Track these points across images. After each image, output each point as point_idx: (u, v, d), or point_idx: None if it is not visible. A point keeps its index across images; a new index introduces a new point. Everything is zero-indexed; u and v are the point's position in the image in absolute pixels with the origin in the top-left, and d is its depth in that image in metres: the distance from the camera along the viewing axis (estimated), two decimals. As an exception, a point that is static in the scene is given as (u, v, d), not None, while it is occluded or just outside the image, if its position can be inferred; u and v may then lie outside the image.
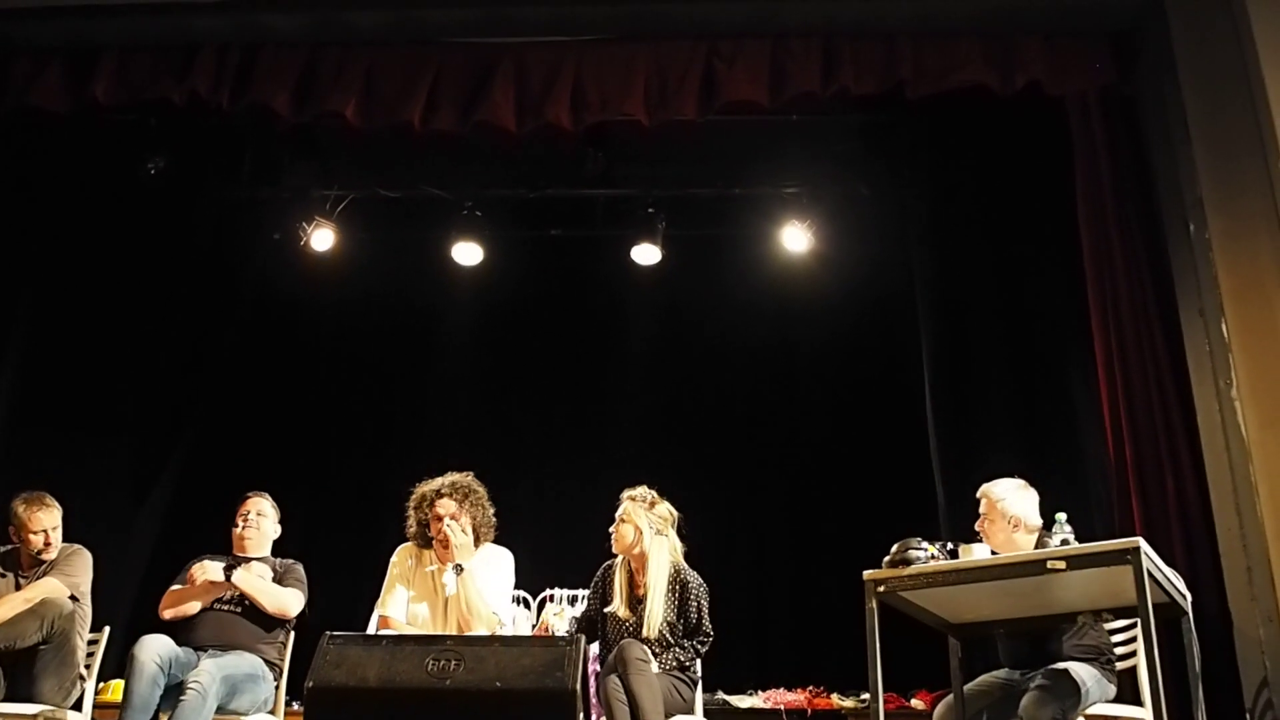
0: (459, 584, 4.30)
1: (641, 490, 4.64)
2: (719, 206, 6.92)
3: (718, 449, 7.03)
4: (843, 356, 7.01)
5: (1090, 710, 3.68)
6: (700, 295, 7.14)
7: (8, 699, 4.11)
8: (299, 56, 5.29)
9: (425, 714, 3.25)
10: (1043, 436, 5.41)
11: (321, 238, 6.75)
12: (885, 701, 3.62)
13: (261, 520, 4.69)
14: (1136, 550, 3.18)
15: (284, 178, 6.87)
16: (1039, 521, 3.93)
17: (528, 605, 5.90)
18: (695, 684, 4.47)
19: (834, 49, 5.12)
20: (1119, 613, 3.73)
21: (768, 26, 5.16)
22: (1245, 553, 4.16)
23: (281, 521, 4.78)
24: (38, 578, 4.41)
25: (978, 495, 4.05)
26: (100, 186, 6.09)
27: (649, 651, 4.25)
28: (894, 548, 3.58)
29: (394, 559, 4.53)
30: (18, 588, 4.39)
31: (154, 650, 4.04)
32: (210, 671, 3.99)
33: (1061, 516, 3.64)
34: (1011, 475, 4.08)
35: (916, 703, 5.78)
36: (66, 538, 4.57)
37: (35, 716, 4.10)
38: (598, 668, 4.67)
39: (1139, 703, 3.82)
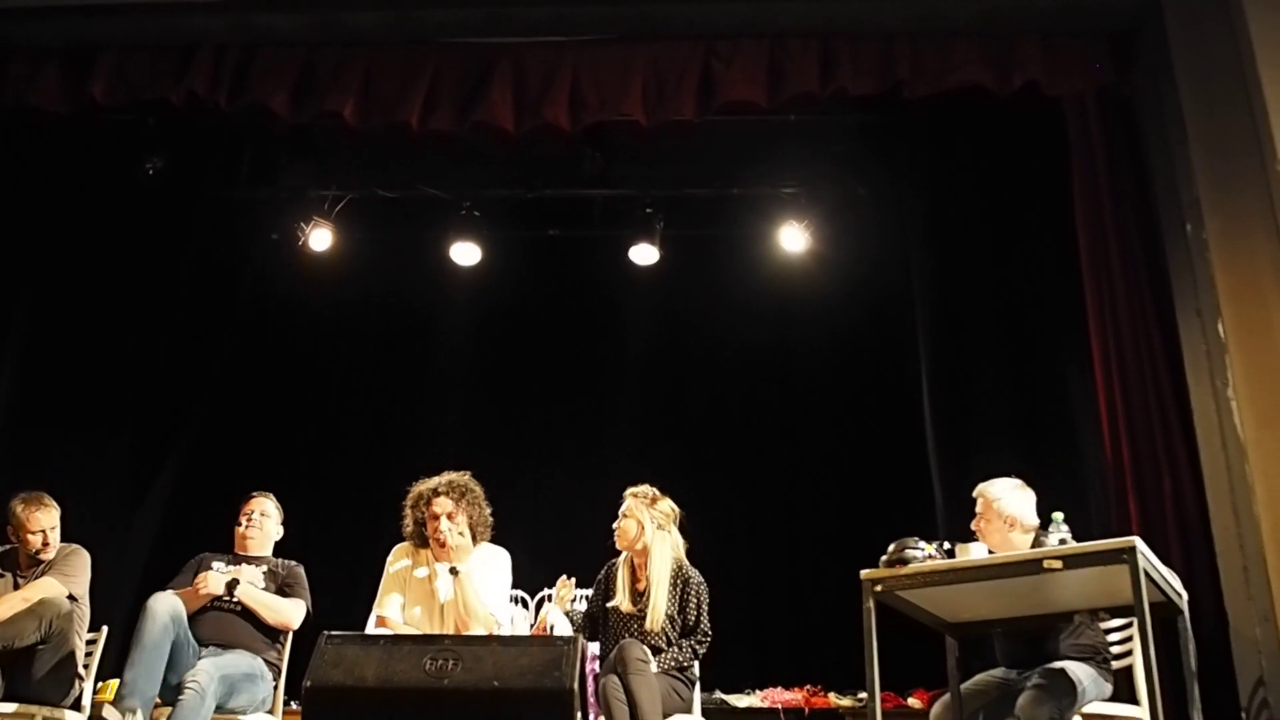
0: (456, 586, 4.30)
1: (643, 488, 4.67)
2: (717, 207, 6.93)
3: (715, 449, 7.04)
4: (840, 356, 7.01)
5: (1087, 709, 3.69)
6: (698, 296, 7.15)
7: (6, 699, 4.10)
8: (297, 56, 5.29)
9: (423, 713, 3.25)
10: (1040, 436, 5.41)
11: (319, 238, 6.75)
12: (882, 701, 3.61)
13: (265, 521, 4.69)
14: (1133, 549, 3.19)
15: (282, 178, 6.87)
16: (1035, 521, 3.94)
17: (526, 605, 5.91)
18: (693, 684, 4.49)
19: (832, 49, 5.12)
20: (1115, 612, 3.75)
21: (766, 27, 5.16)
22: (1241, 552, 4.17)
23: (282, 522, 4.79)
24: (36, 577, 4.41)
25: (974, 495, 4.06)
26: (98, 186, 6.08)
27: (648, 652, 4.27)
28: (891, 547, 3.59)
29: (390, 559, 4.53)
30: (16, 587, 4.39)
31: (167, 604, 4.10)
32: (208, 671, 3.99)
33: (1058, 516, 3.65)
34: (1008, 475, 4.09)
35: (914, 702, 5.78)
36: (65, 537, 4.56)
37: (33, 716, 4.10)
38: (595, 667, 4.68)
39: (1135, 701, 3.82)
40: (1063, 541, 3.54)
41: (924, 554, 3.55)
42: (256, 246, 6.97)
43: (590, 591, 4.79)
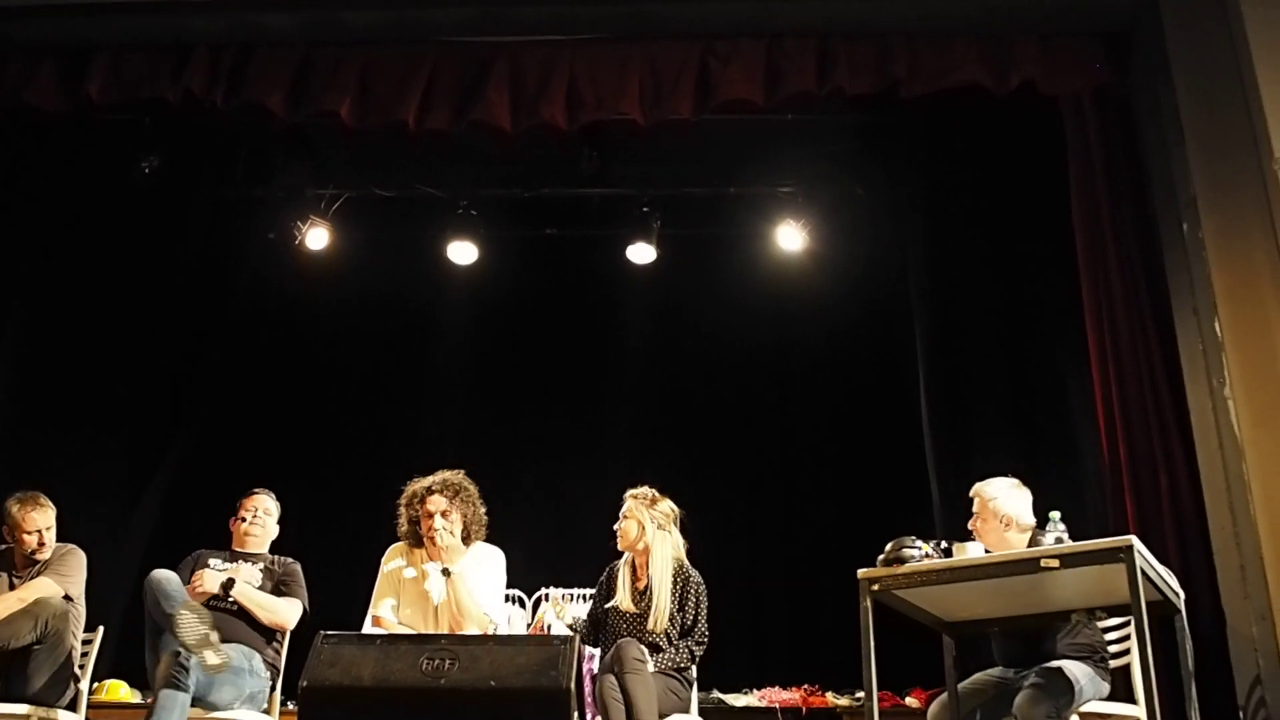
0: (448, 586, 4.30)
1: (643, 489, 4.69)
2: (714, 206, 6.93)
3: (713, 448, 7.04)
4: (838, 355, 7.02)
5: (1084, 708, 3.69)
6: (695, 295, 7.14)
7: (2, 699, 4.09)
8: (293, 56, 5.28)
9: (420, 713, 3.25)
10: (1036, 435, 5.42)
11: (316, 237, 6.75)
12: (880, 700, 3.61)
13: (267, 519, 4.69)
14: (1130, 548, 3.18)
15: (279, 177, 6.87)
16: (1032, 520, 3.93)
17: (523, 604, 5.91)
18: (691, 685, 4.49)
19: (829, 48, 5.12)
20: (1113, 611, 3.74)
21: (763, 26, 5.16)
22: (1238, 550, 4.17)
23: (279, 520, 4.78)
24: (32, 578, 4.40)
25: (970, 494, 4.06)
26: (95, 186, 6.08)
27: (646, 651, 4.27)
28: (888, 546, 3.59)
29: (385, 559, 4.53)
30: (12, 588, 4.38)
31: (164, 572, 4.14)
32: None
33: (1055, 515, 3.66)
34: (1005, 474, 4.09)
35: (911, 701, 5.78)
36: (60, 538, 4.55)
37: (29, 717, 4.10)
38: (593, 667, 4.68)
39: (1133, 700, 3.82)
40: (1059, 540, 3.54)
41: (921, 553, 3.54)
42: (253, 246, 6.96)
43: (590, 591, 4.79)
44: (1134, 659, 3.85)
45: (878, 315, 6.72)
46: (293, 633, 4.54)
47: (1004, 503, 3.95)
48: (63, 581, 4.40)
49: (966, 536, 3.89)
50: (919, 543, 3.57)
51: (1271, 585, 4.01)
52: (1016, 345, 5.63)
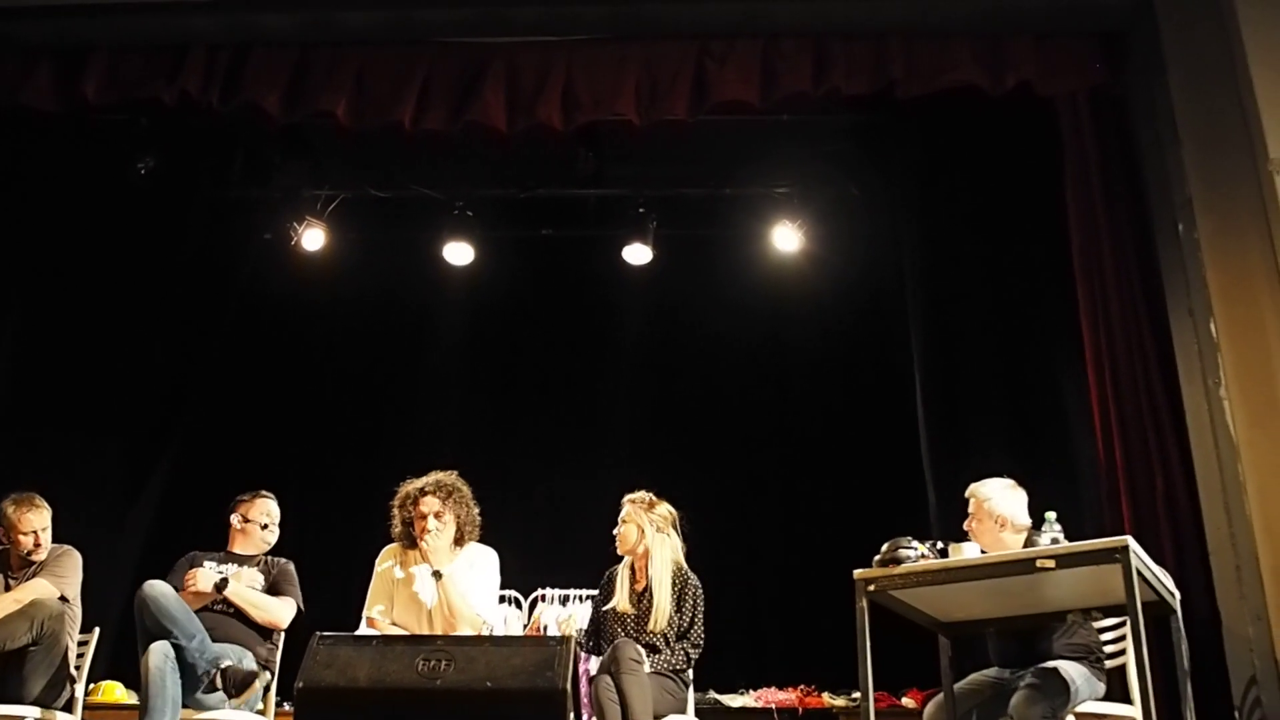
0: (440, 589, 4.30)
1: (641, 493, 4.71)
2: (710, 206, 6.93)
3: (709, 448, 7.04)
4: (834, 356, 7.02)
5: (1080, 708, 3.70)
6: (692, 295, 7.15)
7: (-2, 700, 4.10)
8: (290, 56, 5.27)
9: (415, 714, 3.25)
10: (1032, 436, 5.42)
11: (312, 238, 6.74)
12: (876, 700, 3.62)
13: (274, 526, 4.69)
14: (1125, 549, 3.19)
15: (275, 178, 6.85)
16: (1027, 521, 3.94)
17: (519, 605, 5.90)
18: (687, 686, 4.49)
19: (825, 49, 5.12)
20: (1108, 611, 3.75)
21: (759, 26, 5.16)
22: (1234, 551, 4.18)
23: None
24: (27, 579, 4.40)
25: (966, 495, 4.06)
26: (91, 186, 6.06)
27: (643, 652, 4.27)
28: (884, 547, 3.59)
29: (379, 560, 4.53)
30: (7, 589, 4.38)
31: (160, 585, 4.15)
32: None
33: (1051, 515, 3.66)
34: (1001, 475, 4.09)
35: (907, 701, 5.79)
36: (56, 539, 4.55)
37: (25, 718, 4.09)
38: (589, 668, 4.68)
39: (1128, 701, 3.83)
40: (1055, 541, 3.55)
41: (917, 553, 3.55)
42: (249, 246, 6.95)
43: (585, 592, 4.79)
44: (1129, 659, 3.85)
45: (874, 316, 6.72)
46: (288, 633, 4.54)
47: (999, 503, 3.96)
48: (58, 583, 4.40)
49: (962, 537, 3.90)
50: (915, 543, 3.57)
51: (1267, 585, 4.01)
52: (1012, 345, 5.63)
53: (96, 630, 4.61)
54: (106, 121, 5.77)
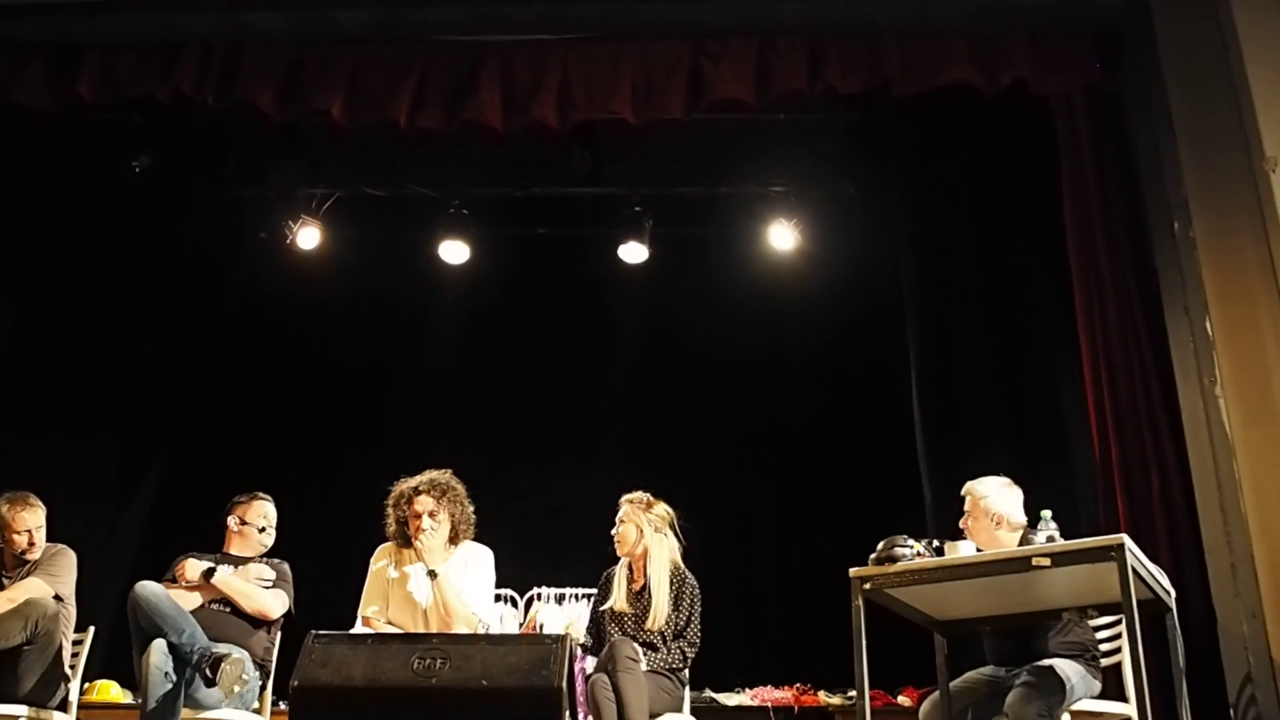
0: (435, 588, 4.29)
1: (638, 494, 4.72)
2: (706, 205, 6.92)
3: (705, 447, 7.04)
4: (830, 354, 7.02)
5: (1075, 706, 3.70)
6: (687, 294, 7.14)
7: (-7, 700, 4.09)
8: (284, 55, 5.27)
9: (411, 712, 3.25)
10: (1029, 434, 5.42)
11: (307, 236, 6.73)
12: (872, 699, 3.63)
13: (271, 529, 4.68)
14: (1121, 547, 3.19)
15: (270, 176, 6.84)
16: (1023, 519, 3.94)
17: (515, 604, 5.89)
18: (684, 684, 4.50)
19: (820, 48, 5.12)
20: (1104, 609, 3.75)
21: (754, 25, 5.16)
22: (1229, 549, 4.18)
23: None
24: (21, 578, 4.39)
25: (962, 493, 4.06)
26: (85, 185, 6.05)
27: (639, 650, 4.27)
28: (880, 545, 3.59)
29: (374, 559, 4.52)
30: (1, 588, 4.37)
31: (151, 585, 4.13)
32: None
33: (1047, 514, 3.66)
34: (997, 473, 4.09)
35: (903, 700, 5.79)
36: (50, 537, 4.55)
37: (19, 718, 4.08)
38: (585, 667, 4.68)
39: (1124, 699, 3.83)
40: (1051, 539, 3.54)
41: (913, 552, 3.55)
42: (244, 245, 6.94)
43: (581, 591, 4.80)
44: (1125, 657, 3.85)
45: (869, 314, 6.72)
46: (284, 632, 4.53)
47: (995, 501, 3.96)
48: (53, 582, 4.40)
49: (958, 535, 3.90)
50: (911, 541, 3.57)
51: (1262, 583, 4.02)
52: (1008, 344, 5.64)
53: (91, 629, 4.60)
54: (101, 120, 5.76)
